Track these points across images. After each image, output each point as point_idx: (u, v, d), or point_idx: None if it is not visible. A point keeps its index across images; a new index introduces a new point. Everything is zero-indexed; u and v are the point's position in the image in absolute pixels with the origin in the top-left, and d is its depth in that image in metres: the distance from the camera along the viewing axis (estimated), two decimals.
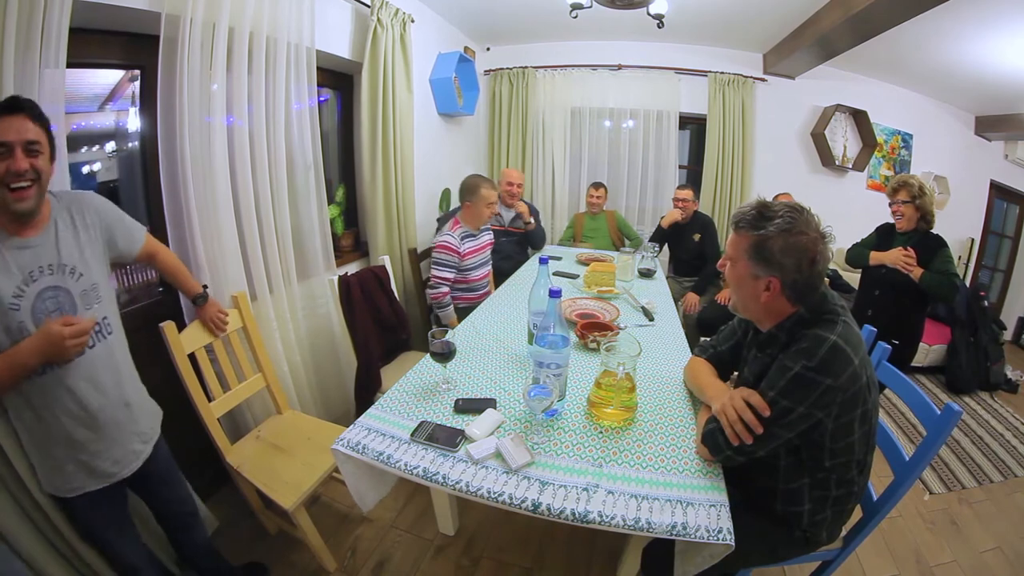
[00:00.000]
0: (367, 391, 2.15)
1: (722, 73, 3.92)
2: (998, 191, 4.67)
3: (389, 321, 2.33)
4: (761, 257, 1.05)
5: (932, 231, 2.41)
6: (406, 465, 1.14)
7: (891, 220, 2.52)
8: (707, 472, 1.14)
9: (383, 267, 2.40)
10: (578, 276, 2.72)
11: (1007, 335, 4.41)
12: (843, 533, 1.36)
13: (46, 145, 1.08)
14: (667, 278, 3.10)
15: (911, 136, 4.29)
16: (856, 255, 2.64)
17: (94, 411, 1.17)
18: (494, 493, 1.07)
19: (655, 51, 4.00)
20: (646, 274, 2.92)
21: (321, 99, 2.82)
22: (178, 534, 1.55)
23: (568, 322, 1.98)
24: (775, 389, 1.02)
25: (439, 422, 1.28)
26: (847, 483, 1.17)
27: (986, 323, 3.74)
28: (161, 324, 1.54)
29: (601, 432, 1.27)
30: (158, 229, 1.79)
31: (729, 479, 1.14)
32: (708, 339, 1.53)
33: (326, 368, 2.51)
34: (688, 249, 3.55)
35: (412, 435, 1.22)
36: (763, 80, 4.01)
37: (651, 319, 2.14)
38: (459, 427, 1.25)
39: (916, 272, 2.27)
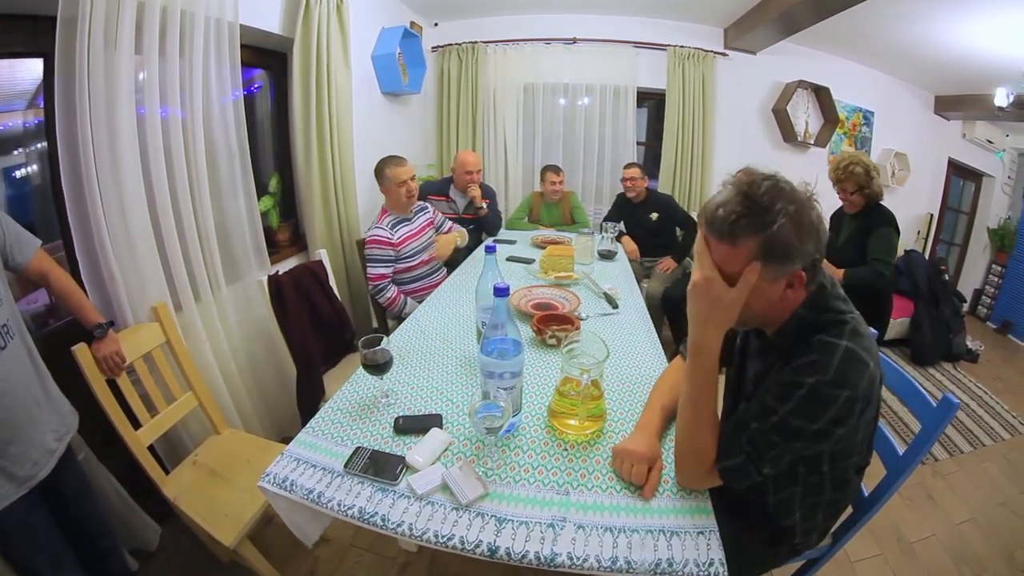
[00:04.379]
0: (310, 401, 1.94)
1: (682, 47, 3.81)
2: (955, 169, 4.80)
3: (329, 321, 2.09)
4: (778, 255, 0.82)
5: (880, 203, 2.43)
6: (339, 504, 0.95)
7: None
8: (691, 491, 0.98)
9: (320, 262, 2.16)
10: (533, 261, 2.51)
11: (964, 307, 4.48)
12: (832, 529, 1.26)
13: None
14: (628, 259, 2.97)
15: (872, 113, 4.33)
16: None
17: (9, 410, 1.17)
18: (442, 536, 0.88)
19: (612, 24, 3.86)
20: (607, 256, 2.76)
21: (255, 87, 2.60)
22: (94, 565, 1.43)
23: (523, 314, 1.79)
24: (785, 407, 0.85)
25: (377, 447, 1.08)
26: (843, 486, 1.06)
27: (947, 296, 3.80)
28: (73, 347, 1.37)
29: (566, 449, 1.09)
30: (65, 236, 1.63)
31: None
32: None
33: (268, 377, 2.29)
34: (645, 228, 3.43)
35: (346, 466, 1.02)
36: (724, 55, 3.93)
37: (615, 307, 1.97)
38: (400, 453, 1.05)
39: (837, 274, 2.31)
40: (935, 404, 1.15)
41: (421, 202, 2.63)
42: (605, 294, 2.07)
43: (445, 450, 1.06)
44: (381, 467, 1.01)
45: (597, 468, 1.04)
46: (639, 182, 3.34)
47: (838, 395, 0.81)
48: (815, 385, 0.82)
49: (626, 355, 1.55)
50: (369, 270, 2.32)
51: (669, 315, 3.14)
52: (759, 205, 0.81)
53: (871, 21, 3.24)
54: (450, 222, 2.80)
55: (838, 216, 2.62)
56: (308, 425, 1.17)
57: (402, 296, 2.37)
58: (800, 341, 0.89)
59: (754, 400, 0.91)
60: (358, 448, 1.07)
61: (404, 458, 1.02)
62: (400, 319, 2.03)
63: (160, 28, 1.64)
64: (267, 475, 1.02)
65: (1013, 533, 2.05)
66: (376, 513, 0.92)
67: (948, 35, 3.27)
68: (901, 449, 1.22)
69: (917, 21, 3.17)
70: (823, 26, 3.17)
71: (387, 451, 1.06)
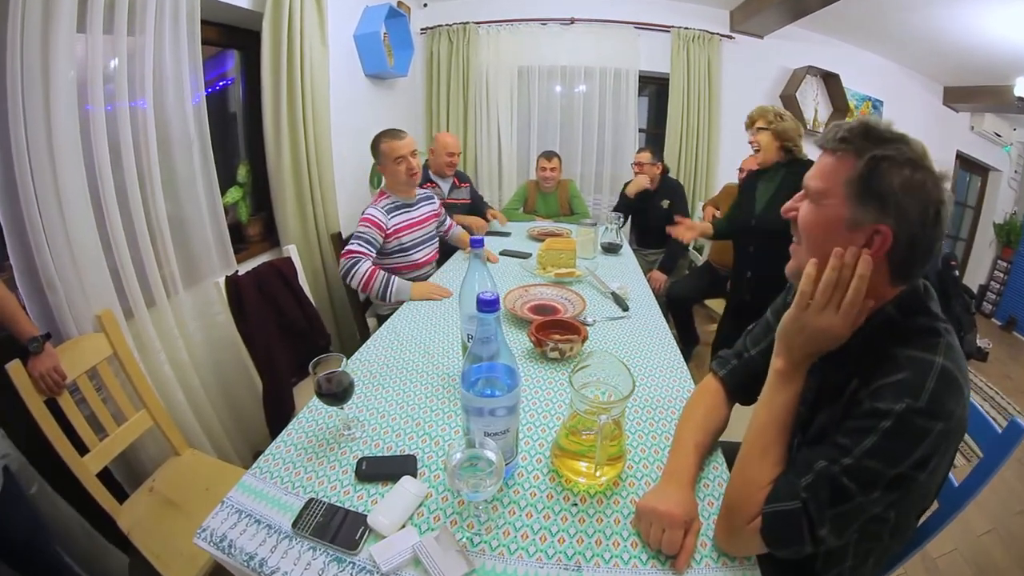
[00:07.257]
0: (278, 417, 1.75)
1: (686, 29, 3.65)
2: (962, 162, 4.70)
3: (299, 327, 1.87)
4: (871, 193, 0.68)
5: (804, 158, 2.07)
6: None
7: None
8: (735, 558, 0.78)
9: (288, 260, 1.94)
10: (530, 255, 2.30)
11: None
12: None
13: None
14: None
15: (881, 103, 4.20)
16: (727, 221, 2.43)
17: None
18: None
19: (612, 4, 3.70)
20: (611, 249, 2.56)
21: (231, 80, 2.43)
22: None
23: (518, 320, 1.57)
24: (862, 444, 0.66)
25: (334, 499, 0.87)
26: (902, 532, 0.89)
27: (958, 293, 3.65)
28: (7, 364, 1.22)
29: (575, 503, 0.86)
30: None
31: None
32: (727, 350, 1.13)
33: (236, 388, 2.08)
34: (656, 217, 3.20)
35: (295, 525, 0.81)
36: (730, 38, 3.78)
37: (625, 309, 1.76)
38: (362, 508, 0.84)
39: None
40: (1000, 430, 1.00)
41: (425, 189, 2.39)
42: (613, 294, 1.86)
43: (419, 505, 0.85)
44: (337, 529, 0.80)
45: (616, 530, 0.82)
46: (651, 168, 3.15)
47: (930, 428, 0.64)
48: (904, 414, 0.64)
49: (644, 370, 1.33)
50: (349, 244, 1.98)
51: (675, 314, 2.96)
52: (875, 132, 0.70)
53: (880, 6, 3.12)
54: (450, 219, 2.54)
55: (750, 179, 2.27)
56: (255, 465, 0.96)
57: (382, 273, 1.93)
58: (881, 352, 0.71)
59: (814, 432, 0.76)
60: (310, 500, 0.85)
61: (366, 518, 0.81)
62: (379, 317, 1.79)
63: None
64: (203, 531, 0.83)
65: None
66: None
67: (964, 23, 3.14)
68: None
69: (931, 8, 3.05)
70: (832, 10, 3.02)
71: (346, 505, 0.85)
